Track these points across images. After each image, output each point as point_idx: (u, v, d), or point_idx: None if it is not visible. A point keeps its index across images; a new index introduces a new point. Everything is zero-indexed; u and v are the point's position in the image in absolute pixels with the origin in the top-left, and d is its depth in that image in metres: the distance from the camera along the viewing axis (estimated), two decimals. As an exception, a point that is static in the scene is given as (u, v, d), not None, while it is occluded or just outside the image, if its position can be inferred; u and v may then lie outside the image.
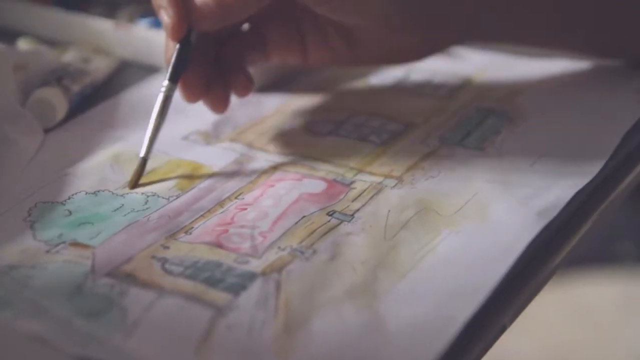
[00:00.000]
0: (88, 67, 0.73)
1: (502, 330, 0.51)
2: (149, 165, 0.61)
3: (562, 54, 0.71)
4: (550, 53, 0.72)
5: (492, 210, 0.55)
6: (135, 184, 0.60)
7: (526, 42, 0.68)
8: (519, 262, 0.51)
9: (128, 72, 0.76)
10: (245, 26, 0.65)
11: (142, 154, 0.60)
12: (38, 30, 0.80)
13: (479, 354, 0.49)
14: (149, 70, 0.75)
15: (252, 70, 0.65)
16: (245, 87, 0.64)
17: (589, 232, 0.57)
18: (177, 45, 0.60)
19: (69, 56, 0.74)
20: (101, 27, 0.77)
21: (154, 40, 0.75)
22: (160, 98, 0.60)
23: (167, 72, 0.61)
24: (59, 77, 0.69)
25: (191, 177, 0.61)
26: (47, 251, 0.54)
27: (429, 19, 0.64)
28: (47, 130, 0.67)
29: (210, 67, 0.62)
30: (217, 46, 0.64)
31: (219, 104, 0.63)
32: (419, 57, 0.67)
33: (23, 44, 0.77)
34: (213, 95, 0.63)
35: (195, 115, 0.67)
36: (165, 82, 0.61)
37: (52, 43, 0.77)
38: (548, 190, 0.57)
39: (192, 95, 0.62)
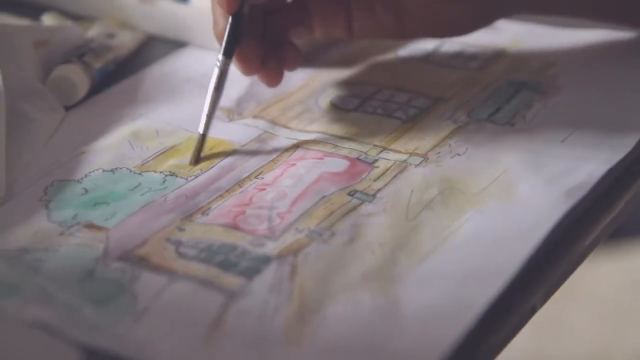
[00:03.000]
0: (112, 43, 0.71)
1: (533, 311, 0.49)
2: (170, 142, 0.60)
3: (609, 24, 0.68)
4: (588, 23, 0.69)
5: (519, 189, 0.53)
6: (197, 159, 0.59)
7: (578, 13, 0.66)
8: (548, 241, 0.50)
9: (153, 47, 0.74)
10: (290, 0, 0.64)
11: (200, 130, 0.59)
12: (63, 5, 0.79)
13: (507, 335, 0.48)
14: (174, 45, 0.73)
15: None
16: (296, 60, 0.63)
17: (624, 209, 0.55)
18: (230, 18, 0.59)
19: (94, 31, 0.73)
20: (126, 1, 0.76)
21: (179, 14, 0.73)
22: (215, 73, 0.60)
23: (221, 47, 0.60)
24: (81, 53, 0.68)
25: (211, 154, 0.59)
26: (61, 233, 0.53)
27: None
28: (67, 108, 0.65)
29: (262, 41, 0.62)
30: (264, 20, 0.63)
31: (275, 77, 0.62)
32: (467, 30, 0.65)
33: (48, 20, 0.76)
34: (268, 68, 0.62)
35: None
36: (220, 57, 0.60)
37: (77, 18, 0.76)
38: (579, 168, 0.55)
39: (249, 69, 0.61)
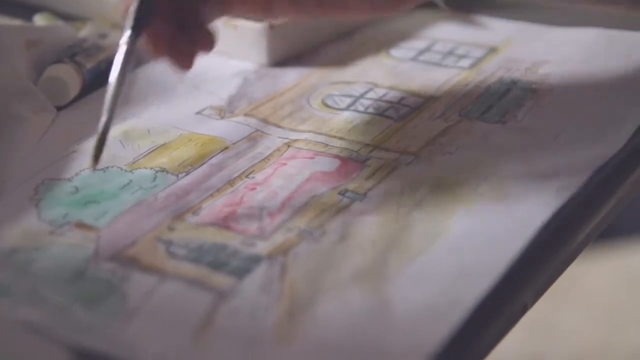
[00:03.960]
0: (104, 43, 0.71)
1: (524, 309, 0.49)
2: (161, 140, 0.60)
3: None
4: (579, 20, 0.69)
5: (510, 187, 0.53)
6: (96, 158, 0.54)
7: None
8: (539, 239, 0.50)
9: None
10: None
11: (103, 117, 0.54)
12: (56, 6, 0.79)
13: (498, 333, 0.47)
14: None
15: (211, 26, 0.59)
16: (209, 43, 0.58)
17: (615, 207, 0.55)
18: None
19: (86, 32, 0.73)
20: (118, 1, 0.76)
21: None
22: (122, 51, 0.55)
23: (129, 22, 0.55)
24: (73, 53, 0.68)
25: (202, 151, 0.59)
26: (51, 232, 0.53)
27: None
28: (59, 108, 0.65)
29: (173, 20, 0.56)
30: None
31: (186, 59, 0.57)
32: (390, 6, 0.59)
33: (40, 20, 0.76)
34: (179, 50, 0.57)
35: (210, 91, 0.66)
36: (128, 32, 0.55)
37: (70, 18, 0.76)
38: (570, 166, 0.55)
39: (158, 48, 0.56)
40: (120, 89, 0.54)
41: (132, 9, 0.55)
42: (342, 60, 0.69)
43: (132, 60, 0.55)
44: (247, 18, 0.62)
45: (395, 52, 0.70)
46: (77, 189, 0.56)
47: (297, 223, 0.52)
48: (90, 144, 0.60)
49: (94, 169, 0.55)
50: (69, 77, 0.66)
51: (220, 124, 0.62)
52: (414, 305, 0.46)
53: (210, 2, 0.58)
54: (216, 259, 0.50)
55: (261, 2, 0.59)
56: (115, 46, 0.69)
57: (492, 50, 0.69)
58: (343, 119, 0.62)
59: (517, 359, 1.40)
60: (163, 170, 0.58)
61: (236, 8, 0.59)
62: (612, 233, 1.54)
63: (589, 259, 1.50)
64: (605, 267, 1.52)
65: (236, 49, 0.69)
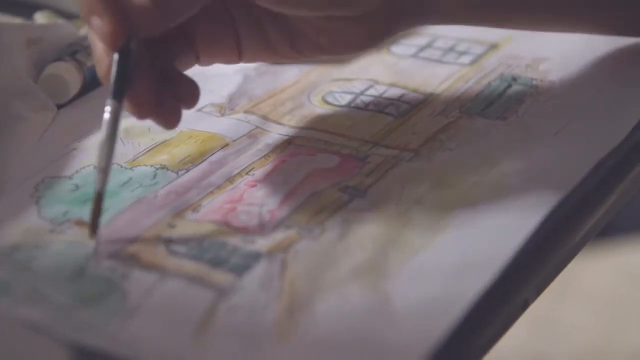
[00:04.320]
0: (104, 40, 0.71)
1: (525, 305, 0.49)
2: (161, 137, 0.60)
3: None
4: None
5: (510, 183, 0.53)
6: (94, 228, 0.52)
7: (497, 22, 0.63)
8: (539, 234, 0.50)
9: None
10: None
11: (98, 189, 0.51)
12: (56, 4, 0.79)
13: (499, 329, 0.47)
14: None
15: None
16: (194, 96, 0.56)
17: (616, 201, 0.55)
18: (116, 56, 0.52)
19: (86, 30, 0.73)
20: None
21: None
22: (107, 120, 0.52)
23: (109, 89, 0.52)
24: (73, 51, 0.68)
25: (202, 148, 0.59)
26: (51, 230, 0.53)
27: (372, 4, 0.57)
28: (60, 106, 0.65)
29: (153, 78, 0.54)
30: (148, 53, 0.54)
31: (173, 118, 0.55)
32: (363, 48, 0.60)
33: (40, 18, 0.76)
34: (165, 109, 0.54)
35: (211, 88, 0.65)
36: (109, 102, 0.52)
37: (70, 17, 0.76)
38: (570, 160, 0.55)
39: (143, 112, 0.53)
40: (110, 162, 0.52)
41: (113, 72, 0.52)
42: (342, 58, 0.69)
43: (119, 124, 0.52)
44: (216, 62, 0.60)
45: (395, 48, 0.70)
46: (77, 187, 0.56)
47: (297, 220, 0.52)
48: (91, 141, 0.60)
49: (92, 238, 0.52)
50: (70, 75, 0.66)
51: (221, 121, 0.62)
52: (414, 301, 0.46)
53: (182, 52, 0.57)
54: (216, 256, 0.50)
55: (231, 48, 0.58)
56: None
57: (493, 46, 0.69)
58: (343, 116, 0.62)
59: (519, 357, 1.40)
60: (163, 167, 0.58)
61: (206, 55, 0.58)
62: (613, 230, 1.54)
63: (590, 256, 1.50)
64: (606, 264, 1.52)
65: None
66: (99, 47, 0.53)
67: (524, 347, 1.40)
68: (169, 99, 0.54)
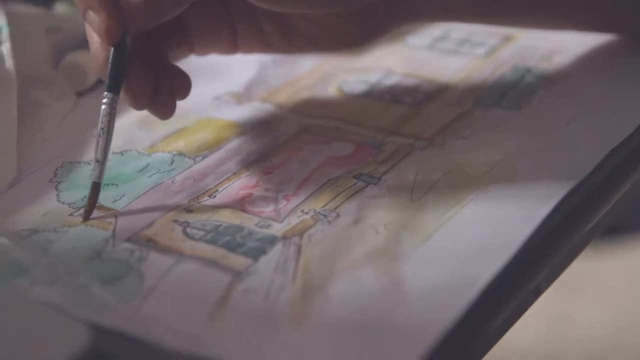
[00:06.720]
0: (123, 30, 0.72)
1: (537, 291, 0.49)
2: (178, 124, 0.61)
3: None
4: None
5: (523, 171, 0.54)
6: (89, 213, 0.53)
7: (494, 20, 0.63)
8: (550, 222, 0.50)
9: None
10: None
11: (93, 179, 0.53)
12: (76, -6, 0.80)
13: (511, 315, 0.48)
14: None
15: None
16: (187, 88, 0.57)
17: (627, 193, 0.55)
18: (112, 50, 0.53)
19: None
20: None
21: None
22: (103, 113, 0.54)
23: (105, 82, 0.54)
24: (92, 40, 0.69)
25: (219, 135, 0.60)
26: (70, 214, 0.54)
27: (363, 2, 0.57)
28: (79, 94, 0.66)
29: (149, 70, 0.55)
30: (143, 46, 0.56)
31: (166, 109, 0.56)
32: (356, 44, 0.61)
33: (60, 8, 0.76)
34: (160, 100, 0.56)
35: (228, 77, 0.66)
36: (106, 94, 0.54)
37: (90, 6, 0.77)
38: (582, 150, 0.55)
39: (140, 103, 0.55)
40: (106, 154, 0.53)
41: (109, 66, 0.54)
42: (359, 48, 0.70)
43: (114, 120, 0.54)
44: (211, 53, 0.62)
45: (411, 39, 0.71)
46: (95, 172, 0.57)
47: (312, 206, 0.53)
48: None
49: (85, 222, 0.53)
50: (89, 63, 0.66)
51: (238, 109, 0.63)
52: (427, 284, 0.46)
53: (176, 44, 0.58)
54: (232, 239, 0.50)
55: (226, 38, 0.59)
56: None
57: (507, 38, 0.70)
58: (359, 105, 0.62)
59: (535, 352, 1.40)
60: (180, 153, 0.58)
61: (201, 46, 0.60)
62: (628, 228, 1.54)
63: (604, 254, 1.50)
64: (620, 262, 1.52)
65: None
66: (95, 41, 0.54)
67: (539, 342, 1.40)
68: (165, 90, 0.56)
